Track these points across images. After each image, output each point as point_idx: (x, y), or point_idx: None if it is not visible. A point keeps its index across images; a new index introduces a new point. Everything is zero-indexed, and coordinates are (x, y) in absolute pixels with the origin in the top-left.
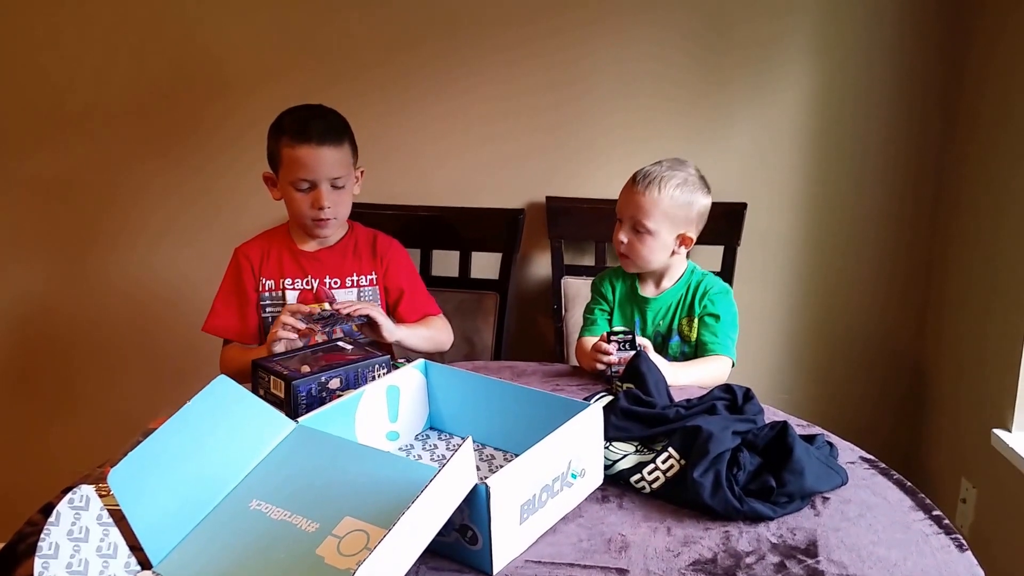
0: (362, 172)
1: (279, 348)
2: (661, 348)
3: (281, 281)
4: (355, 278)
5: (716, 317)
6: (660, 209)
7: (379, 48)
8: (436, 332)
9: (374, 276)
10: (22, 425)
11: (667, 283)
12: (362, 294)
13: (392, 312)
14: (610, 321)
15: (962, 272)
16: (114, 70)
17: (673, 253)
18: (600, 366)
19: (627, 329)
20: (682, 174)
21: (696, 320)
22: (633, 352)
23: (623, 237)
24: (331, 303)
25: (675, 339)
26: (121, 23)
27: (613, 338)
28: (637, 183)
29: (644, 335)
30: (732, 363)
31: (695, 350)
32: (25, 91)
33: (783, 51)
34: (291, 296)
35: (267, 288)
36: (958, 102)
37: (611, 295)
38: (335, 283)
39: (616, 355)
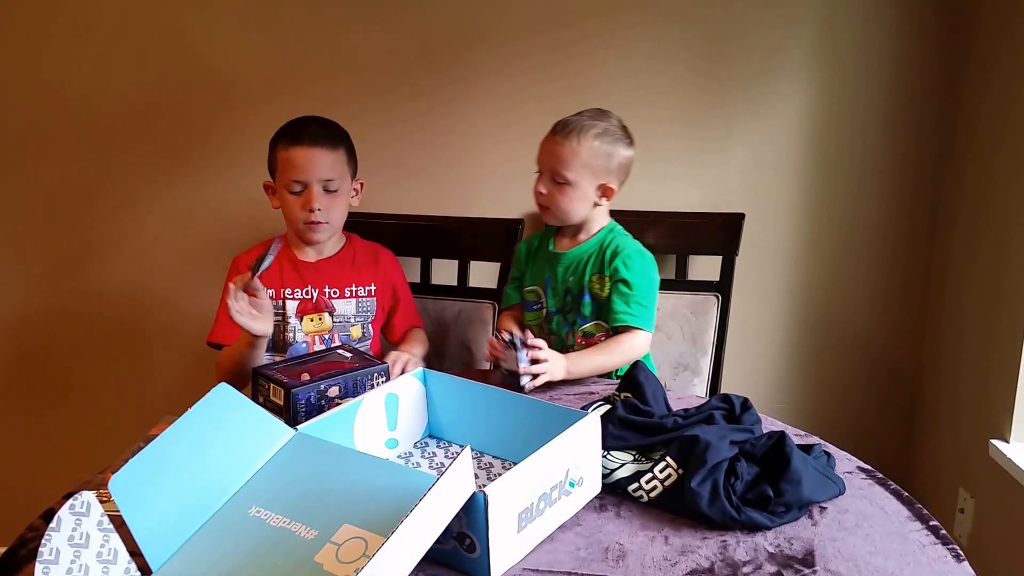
0: (362, 184)
1: (244, 321)
2: (573, 307)
3: (282, 291)
4: (354, 288)
5: (628, 284)
6: (580, 160)
7: (380, 61)
8: (425, 347)
9: (373, 287)
10: (23, 431)
11: (583, 237)
12: (360, 304)
13: (388, 320)
14: (520, 288)
15: (960, 282)
16: (117, 81)
17: (595, 205)
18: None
19: (535, 308)
20: (603, 124)
21: (607, 281)
22: (514, 352)
23: (543, 188)
24: (331, 313)
25: (587, 297)
26: (126, 34)
27: (501, 336)
28: (557, 133)
29: (555, 293)
30: (648, 335)
31: (603, 314)
32: (28, 102)
33: (781, 63)
34: (291, 306)
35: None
36: (957, 113)
37: (524, 258)
38: (334, 293)
39: (504, 355)
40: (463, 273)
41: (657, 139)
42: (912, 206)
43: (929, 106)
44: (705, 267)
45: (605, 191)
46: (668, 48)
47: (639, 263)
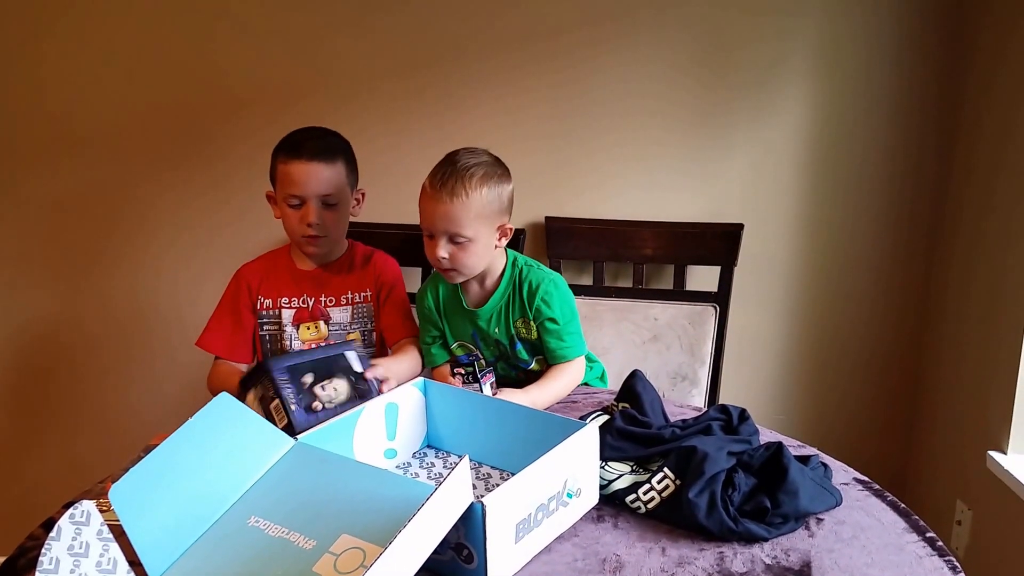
0: (364, 194)
1: None
2: (511, 354)
3: (278, 300)
4: (350, 295)
5: (555, 321)
6: (473, 213)
7: (384, 70)
8: (413, 363)
9: (368, 293)
10: (24, 439)
11: (490, 284)
12: (356, 311)
13: (383, 323)
14: (446, 345)
15: (959, 294)
16: (122, 90)
17: (495, 247)
18: None
19: (469, 359)
20: (481, 167)
21: (533, 323)
22: (477, 384)
23: (443, 252)
24: (327, 321)
25: (519, 345)
26: (130, 43)
27: (457, 370)
28: (440, 191)
29: (487, 345)
30: (583, 355)
31: (542, 353)
32: (34, 110)
33: (782, 74)
34: (287, 315)
35: (265, 307)
36: (958, 125)
37: (437, 315)
38: (330, 301)
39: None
40: None
41: (657, 148)
42: (911, 218)
43: (930, 116)
44: (704, 277)
45: (503, 232)
46: (669, 58)
47: (556, 295)
